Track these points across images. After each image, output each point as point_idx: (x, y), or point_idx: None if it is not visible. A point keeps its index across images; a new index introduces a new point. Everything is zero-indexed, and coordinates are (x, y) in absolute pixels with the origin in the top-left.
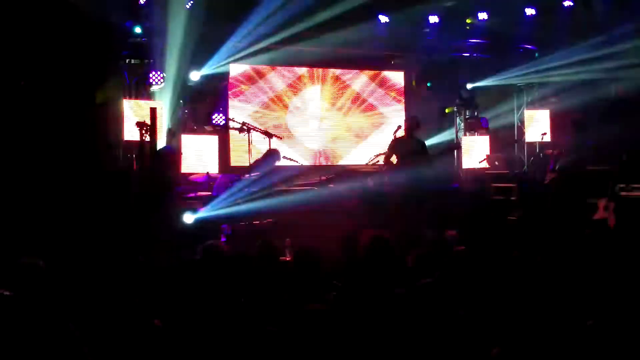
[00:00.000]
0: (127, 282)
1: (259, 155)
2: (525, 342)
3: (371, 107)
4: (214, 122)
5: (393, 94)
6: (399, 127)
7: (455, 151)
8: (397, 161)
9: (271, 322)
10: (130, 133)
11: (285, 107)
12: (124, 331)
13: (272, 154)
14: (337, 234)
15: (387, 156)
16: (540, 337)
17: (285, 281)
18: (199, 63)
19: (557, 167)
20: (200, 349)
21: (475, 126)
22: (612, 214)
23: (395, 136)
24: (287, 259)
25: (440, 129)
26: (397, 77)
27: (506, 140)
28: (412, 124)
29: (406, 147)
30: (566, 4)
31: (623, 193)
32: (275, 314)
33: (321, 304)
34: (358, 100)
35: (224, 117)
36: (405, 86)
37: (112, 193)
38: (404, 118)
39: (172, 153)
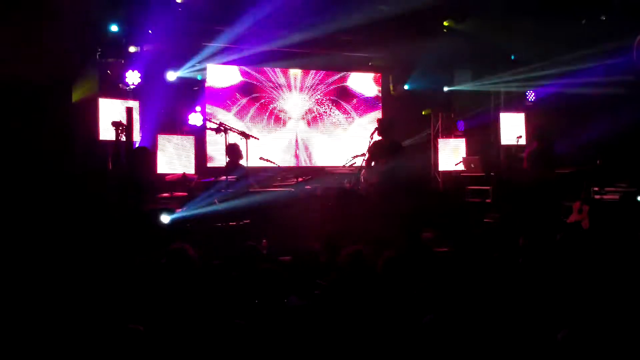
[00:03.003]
0: (103, 283)
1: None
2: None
3: (349, 109)
4: (190, 122)
5: (370, 95)
6: (376, 129)
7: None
8: (374, 163)
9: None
10: (106, 132)
11: (263, 107)
12: (100, 333)
13: (231, 150)
14: (313, 235)
15: (368, 160)
16: (525, 341)
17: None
18: (176, 63)
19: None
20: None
21: (451, 129)
22: (586, 217)
23: (372, 138)
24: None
25: (417, 131)
26: (374, 79)
27: (482, 142)
28: (385, 125)
29: (381, 149)
30: None
31: (597, 196)
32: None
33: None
34: (336, 101)
35: (201, 118)
36: (382, 88)
37: (87, 193)
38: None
39: (146, 152)
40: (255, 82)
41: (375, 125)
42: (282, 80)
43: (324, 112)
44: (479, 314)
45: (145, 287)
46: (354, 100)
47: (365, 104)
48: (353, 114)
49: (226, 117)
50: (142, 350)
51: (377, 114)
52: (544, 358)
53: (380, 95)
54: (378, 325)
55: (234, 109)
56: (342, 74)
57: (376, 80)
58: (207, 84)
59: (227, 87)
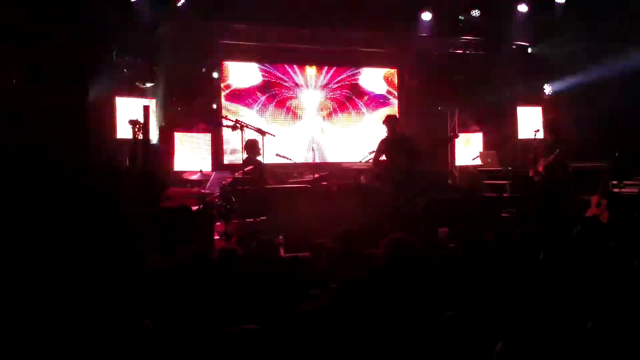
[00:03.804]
0: (119, 281)
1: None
2: (528, 337)
3: (365, 105)
4: (207, 119)
5: (387, 90)
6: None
7: (449, 145)
8: (387, 160)
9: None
10: (123, 130)
11: (279, 104)
12: (114, 331)
13: (250, 145)
14: (331, 231)
15: (375, 157)
16: (543, 333)
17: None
18: (192, 60)
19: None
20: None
21: (468, 123)
22: (604, 211)
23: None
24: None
25: (434, 126)
26: (391, 74)
27: (499, 137)
28: (389, 122)
29: (392, 146)
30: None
31: (615, 189)
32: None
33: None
34: (351, 97)
35: (217, 115)
36: (399, 83)
37: (104, 191)
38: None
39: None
40: (273, 80)
41: (382, 124)
42: (298, 76)
43: (339, 108)
44: (500, 309)
45: (163, 285)
46: (370, 95)
47: (377, 101)
48: (365, 110)
49: (248, 114)
50: (151, 346)
51: (394, 109)
52: (570, 351)
53: (391, 91)
54: (401, 320)
55: (256, 107)
56: (354, 70)
57: (386, 78)
58: (228, 82)
59: (243, 83)
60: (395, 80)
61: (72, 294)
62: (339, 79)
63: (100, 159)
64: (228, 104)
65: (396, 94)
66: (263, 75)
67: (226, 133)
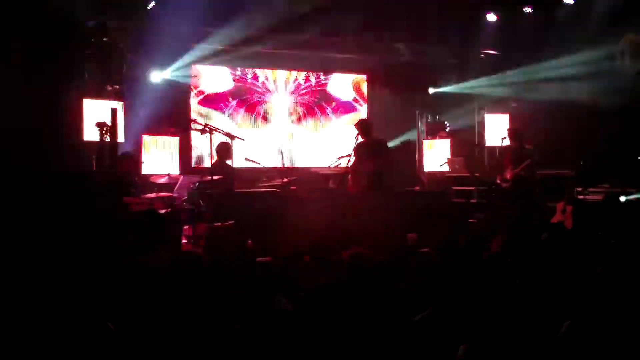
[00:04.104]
0: (86, 283)
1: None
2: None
3: (333, 110)
4: (176, 123)
5: (354, 98)
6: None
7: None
8: (360, 165)
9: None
10: (90, 133)
11: (250, 108)
12: (77, 333)
13: (222, 149)
14: (300, 237)
15: (354, 162)
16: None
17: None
18: (161, 63)
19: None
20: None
21: (436, 129)
22: (569, 217)
23: (357, 139)
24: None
25: (402, 132)
26: (359, 81)
27: (467, 143)
28: (361, 127)
29: (365, 150)
30: (526, 10)
31: (580, 197)
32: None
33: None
34: (321, 102)
35: (186, 118)
36: (368, 89)
37: (71, 194)
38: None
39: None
40: (244, 85)
41: (354, 127)
42: (269, 81)
43: (307, 113)
44: (471, 313)
45: (133, 288)
46: (339, 101)
47: (345, 107)
48: (333, 115)
49: (220, 118)
50: (112, 348)
51: (363, 115)
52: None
53: (357, 99)
54: (372, 325)
55: (227, 111)
56: (323, 77)
57: (354, 85)
58: (201, 88)
59: (211, 87)
60: (364, 86)
61: (38, 296)
62: (308, 84)
63: (67, 161)
64: (200, 108)
65: (362, 101)
66: (235, 80)
67: (195, 136)
